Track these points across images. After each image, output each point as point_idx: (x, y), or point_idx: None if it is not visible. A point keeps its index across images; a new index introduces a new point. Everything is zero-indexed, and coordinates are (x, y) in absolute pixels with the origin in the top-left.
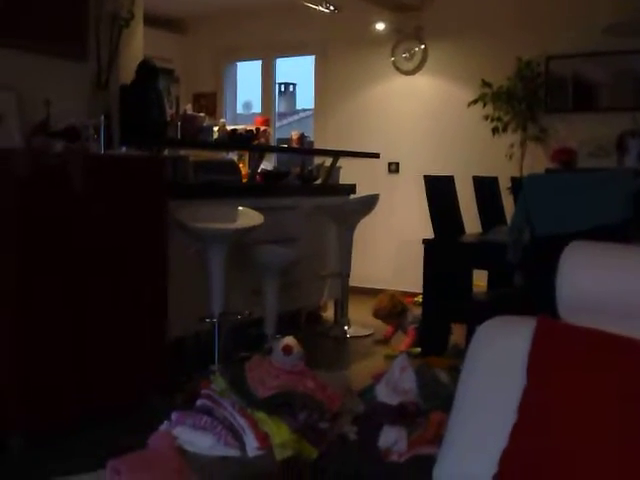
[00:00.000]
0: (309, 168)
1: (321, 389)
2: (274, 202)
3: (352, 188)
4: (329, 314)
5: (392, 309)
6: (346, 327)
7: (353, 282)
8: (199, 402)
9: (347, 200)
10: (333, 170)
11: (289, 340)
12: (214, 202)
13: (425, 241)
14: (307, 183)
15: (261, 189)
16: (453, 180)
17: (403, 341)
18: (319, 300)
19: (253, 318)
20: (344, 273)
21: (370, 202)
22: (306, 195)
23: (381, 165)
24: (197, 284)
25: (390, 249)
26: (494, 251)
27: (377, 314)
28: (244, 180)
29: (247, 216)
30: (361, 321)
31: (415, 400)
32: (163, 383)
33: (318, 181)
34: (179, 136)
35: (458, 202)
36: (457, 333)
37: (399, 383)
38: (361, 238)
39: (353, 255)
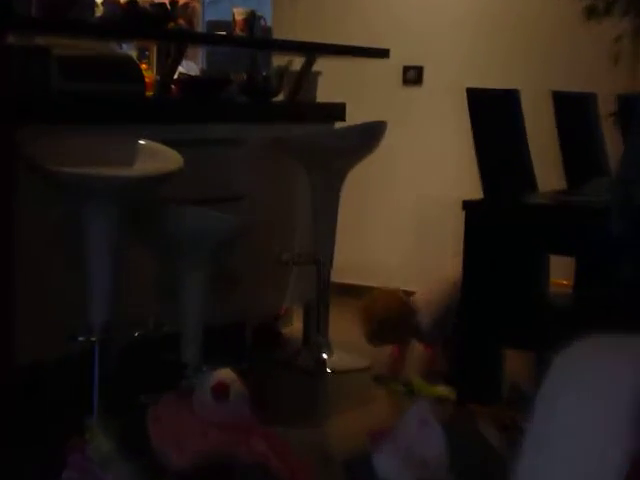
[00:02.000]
0: (264, 74)
1: (278, 455)
2: (201, 132)
3: (339, 110)
4: (295, 329)
5: (400, 320)
6: (324, 353)
7: (338, 276)
8: (65, 476)
9: (330, 131)
10: (306, 78)
11: (224, 375)
12: (95, 130)
13: (467, 205)
14: (260, 100)
15: (179, 109)
16: (518, 98)
17: (421, 361)
18: (278, 305)
19: (163, 334)
20: (323, 259)
21: (370, 135)
22: (258, 121)
23: (391, 71)
24: (66, 276)
25: (402, 218)
26: (587, 221)
27: (374, 332)
28: (149, 93)
29: (153, 156)
30: (350, 342)
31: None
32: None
33: (279, 97)
34: (34, 12)
35: (526, 136)
36: (514, 363)
37: (416, 448)
38: (353, 200)
39: (340, 229)
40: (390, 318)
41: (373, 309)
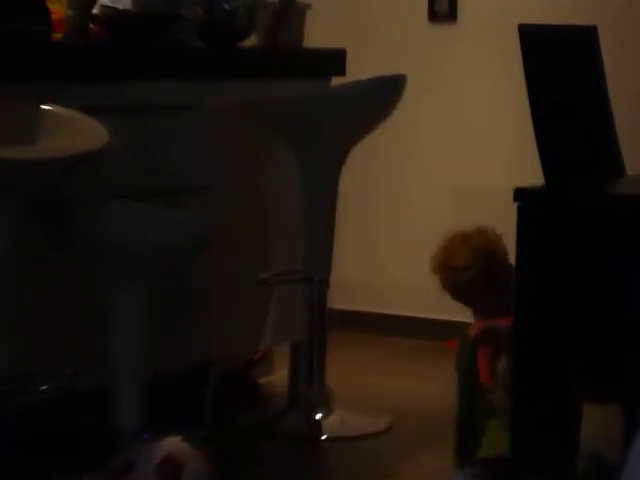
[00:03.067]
0: (226, 7)
1: None
2: (136, 93)
3: (337, 60)
4: (278, 380)
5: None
6: (319, 412)
7: (338, 301)
8: None
9: (324, 91)
10: (289, 14)
11: (175, 446)
12: None
13: (522, 195)
14: (222, 46)
15: (102, 59)
16: (597, 40)
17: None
18: (253, 346)
19: (86, 389)
20: (317, 277)
21: (381, 96)
22: (220, 76)
23: (412, 2)
24: None
25: (431, 219)
26: None
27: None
28: (57, 35)
29: (66, 129)
30: (358, 394)
31: None
32: None
33: (250, 41)
34: None
35: (609, 97)
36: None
37: None
38: (358, 192)
39: (340, 234)
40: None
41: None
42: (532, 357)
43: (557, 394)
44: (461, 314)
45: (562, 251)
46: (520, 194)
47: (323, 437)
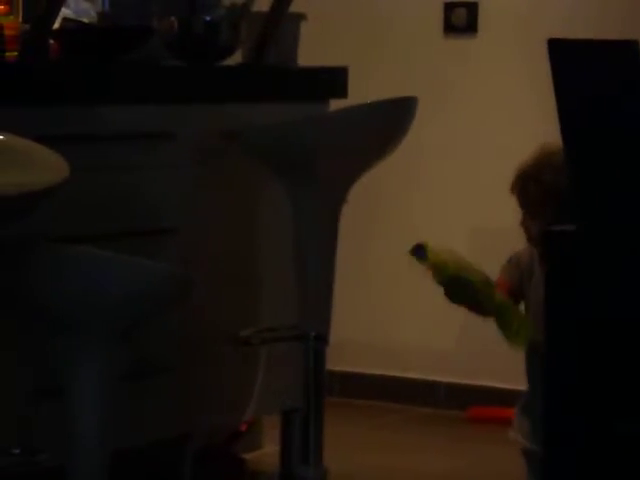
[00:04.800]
0: (207, 19)
1: None
2: (100, 120)
3: (337, 80)
4: (267, 456)
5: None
6: None
7: (337, 362)
8: None
9: (322, 116)
10: (280, 26)
11: None
12: None
13: (550, 237)
14: (201, 63)
15: (62, 81)
16: (636, 54)
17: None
18: (238, 417)
19: (38, 469)
20: (313, 333)
21: (389, 122)
22: (198, 99)
23: (427, 12)
24: None
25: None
26: None
27: None
28: (10, 54)
29: (18, 161)
30: (360, 474)
31: None
32: None
33: (234, 58)
34: None
35: None
36: None
37: None
38: (360, 234)
39: (340, 285)
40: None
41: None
42: (561, 421)
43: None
44: (485, 378)
45: (595, 297)
46: (548, 236)
47: None
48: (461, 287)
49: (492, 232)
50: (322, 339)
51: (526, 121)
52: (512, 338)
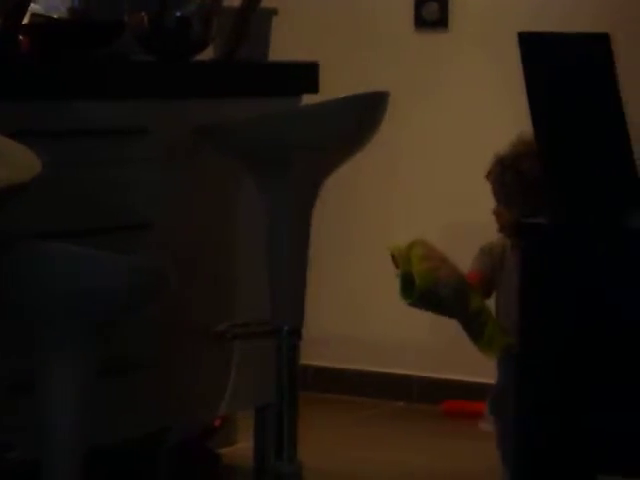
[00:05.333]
0: (178, 14)
1: None
2: (71, 115)
3: (308, 75)
4: (241, 451)
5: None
6: None
7: (310, 356)
8: None
9: (293, 112)
10: (252, 21)
11: None
12: None
13: (525, 230)
14: (172, 59)
15: (31, 76)
16: (609, 50)
17: None
18: (212, 412)
19: (12, 465)
20: (285, 328)
21: (360, 117)
22: (169, 95)
23: (397, 6)
24: None
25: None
26: None
27: None
28: None
29: None
30: (335, 469)
31: None
32: None
33: (206, 53)
34: None
35: (624, 114)
36: None
37: None
38: (333, 230)
39: (313, 279)
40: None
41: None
42: (536, 420)
43: (568, 464)
44: (459, 372)
45: (572, 294)
46: (523, 228)
47: None
48: (431, 305)
49: (466, 226)
50: (295, 334)
51: (498, 115)
52: (484, 347)
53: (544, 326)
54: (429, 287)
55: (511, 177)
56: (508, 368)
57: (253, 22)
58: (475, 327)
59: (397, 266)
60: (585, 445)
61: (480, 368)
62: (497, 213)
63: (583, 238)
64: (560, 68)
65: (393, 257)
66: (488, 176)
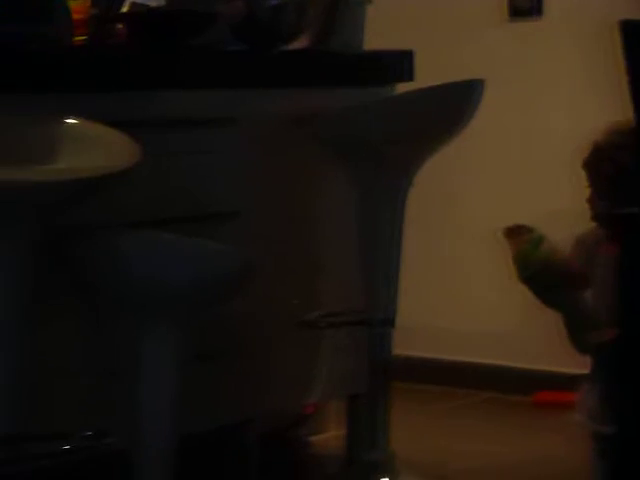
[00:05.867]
0: (272, 3)
1: None
2: (165, 104)
3: (403, 63)
4: (332, 440)
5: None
6: (384, 479)
7: (404, 346)
8: None
9: (388, 100)
10: (345, 10)
11: None
12: None
13: (618, 221)
14: (265, 48)
15: (129, 65)
16: None
17: None
18: (302, 400)
19: (105, 452)
20: (378, 317)
21: (455, 105)
22: (262, 85)
23: None
24: None
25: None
26: None
27: None
28: (79, 38)
29: (90, 145)
30: (428, 458)
31: None
32: None
33: (299, 42)
34: None
35: None
36: None
37: None
38: (428, 218)
39: (407, 267)
40: None
41: None
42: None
43: None
44: (549, 362)
45: None
46: (618, 220)
47: None
48: (543, 285)
49: (548, 215)
50: (388, 323)
51: (591, 103)
52: (580, 345)
53: None
54: (552, 263)
55: (607, 167)
56: (602, 362)
57: (347, 11)
58: (575, 322)
59: (514, 245)
60: None
61: (573, 359)
62: (591, 202)
63: None
64: None
65: (510, 232)
66: (585, 165)
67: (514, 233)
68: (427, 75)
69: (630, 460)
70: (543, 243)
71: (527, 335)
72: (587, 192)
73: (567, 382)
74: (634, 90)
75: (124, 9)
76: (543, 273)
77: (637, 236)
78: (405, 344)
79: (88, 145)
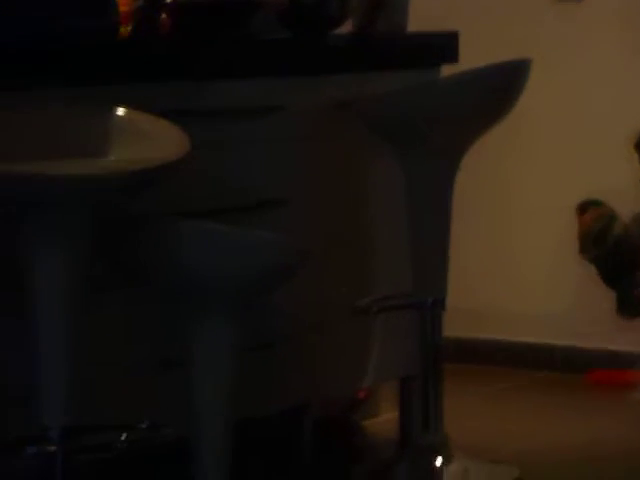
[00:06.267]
0: None
1: None
2: (212, 94)
3: (448, 46)
4: (386, 423)
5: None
6: (439, 459)
7: (455, 328)
8: None
9: (433, 83)
10: None
11: None
12: (33, 95)
13: None
14: (311, 35)
15: (173, 56)
16: None
17: None
18: (355, 385)
19: (163, 442)
20: (429, 301)
21: (503, 85)
22: (308, 72)
23: None
24: None
25: (567, 228)
26: None
27: None
28: (125, 29)
29: (140, 137)
30: (482, 439)
31: None
32: None
33: (343, 28)
34: None
35: None
36: None
37: None
38: (476, 200)
39: (456, 250)
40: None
41: None
42: None
43: None
44: (602, 340)
45: None
46: None
47: None
48: (607, 263)
49: (606, 194)
50: (439, 305)
51: (634, 85)
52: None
53: None
54: (624, 242)
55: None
56: None
57: None
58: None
59: (585, 221)
60: None
61: (623, 337)
62: None
63: None
64: None
65: (583, 207)
66: (636, 147)
67: (587, 208)
68: (472, 57)
69: None
70: (616, 221)
71: (581, 314)
72: None
73: (622, 361)
74: None
75: (168, 0)
76: (614, 252)
77: None
78: (457, 326)
79: (138, 137)
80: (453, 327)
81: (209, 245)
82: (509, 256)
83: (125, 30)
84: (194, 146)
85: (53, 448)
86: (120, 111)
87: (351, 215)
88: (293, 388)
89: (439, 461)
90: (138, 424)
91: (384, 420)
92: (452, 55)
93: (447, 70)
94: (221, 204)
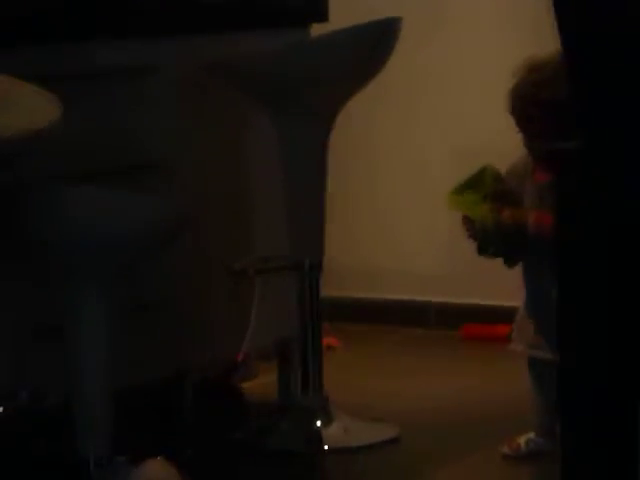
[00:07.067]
0: None
1: None
2: (86, 57)
3: (316, 3)
4: (264, 386)
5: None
6: (318, 421)
7: (331, 288)
8: None
9: (304, 42)
10: None
11: (155, 471)
12: None
13: (557, 156)
14: None
15: (50, 19)
16: None
17: None
18: (233, 348)
19: (43, 410)
20: (306, 262)
21: (372, 45)
22: (177, 31)
23: None
24: None
25: (432, 186)
26: None
27: None
28: None
29: (8, 102)
30: (363, 398)
31: None
32: None
33: None
34: None
35: None
36: None
37: None
38: (348, 161)
39: (332, 210)
40: None
41: None
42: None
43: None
44: (475, 296)
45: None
46: (556, 156)
47: (326, 448)
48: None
49: (485, 151)
50: (316, 267)
51: (507, 40)
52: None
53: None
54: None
55: (532, 109)
56: (533, 265)
57: None
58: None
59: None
60: (632, 367)
61: (497, 291)
62: (527, 145)
63: (617, 157)
64: None
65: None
66: (511, 111)
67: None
68: (341, 16)
69: (570, 384)
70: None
71: (453, 270)
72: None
73: (493, 315)
74: (564, 30)
75: None
76: (501, 241)
77: (574, 170)
78: (333, 285)
79: (6, 103)
80: (329, 286)
81: (84, 207)
82: (383, 214)
83: None
84: (70, 109)
85: None
86: None
87: (228, 177)
88: (168, 354)
89: (318, 422)
90: (18, 393)
91: (262, 383)
92: (321, 15)
93: (317, 29)
94: (94, 168)
